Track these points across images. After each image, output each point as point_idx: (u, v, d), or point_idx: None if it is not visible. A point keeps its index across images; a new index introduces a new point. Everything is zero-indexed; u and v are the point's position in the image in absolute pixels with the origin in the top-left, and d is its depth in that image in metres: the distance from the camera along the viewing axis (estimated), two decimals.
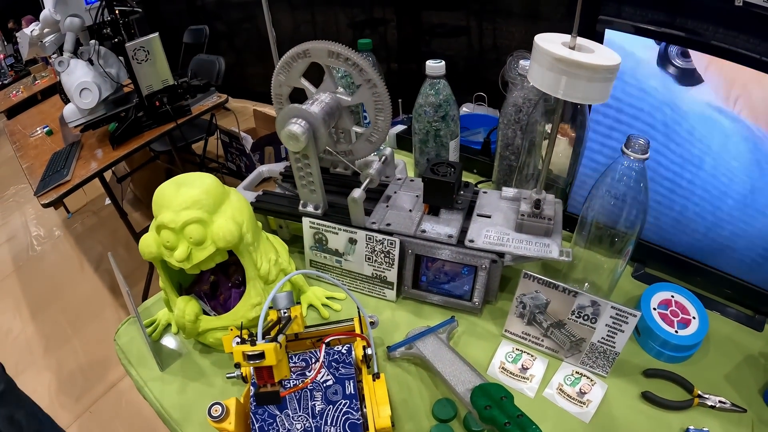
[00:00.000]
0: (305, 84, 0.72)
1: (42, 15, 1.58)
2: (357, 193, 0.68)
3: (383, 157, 0.76)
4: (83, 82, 1.52)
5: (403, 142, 1.12)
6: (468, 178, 1.00)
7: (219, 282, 0.77)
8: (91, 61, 1.60)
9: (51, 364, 1.91)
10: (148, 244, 0.65)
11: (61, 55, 1.58)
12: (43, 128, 2.05)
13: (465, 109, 1.28)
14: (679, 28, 0.62)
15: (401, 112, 1.53)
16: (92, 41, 1.62)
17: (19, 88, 3.01)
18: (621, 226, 0.62)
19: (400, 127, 1.14)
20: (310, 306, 0.77)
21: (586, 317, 0.62)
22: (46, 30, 1.63)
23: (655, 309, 0.69)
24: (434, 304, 0.73)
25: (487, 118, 1.32)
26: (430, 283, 0.72)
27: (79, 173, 1.54)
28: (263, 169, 0.92)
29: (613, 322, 0.61)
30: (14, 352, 1.99)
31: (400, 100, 1.50)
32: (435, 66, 0.79)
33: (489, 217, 0.70)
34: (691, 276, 0.74)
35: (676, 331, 0.65)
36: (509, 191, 0.73)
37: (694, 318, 0.67)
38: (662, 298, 0.70)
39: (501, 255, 0.66)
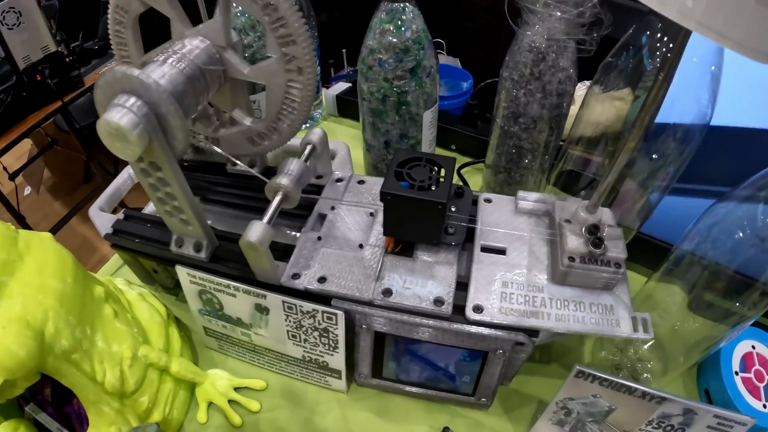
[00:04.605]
0: (173, 12, 0.36)
1: None
2: (256, 232, 0.33)
3: (308, 148, 0.41)
4: None
5: (349, 107, 0.75)
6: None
7: None
8: None
9: None
10: None
11: None
12: None
13: None
14: None
15: (346, 65, 1.14)
16: None
17: None
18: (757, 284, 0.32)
19: (342, 86, 0.77)
20: (212, 405, 0.44)
21: (669, 428, 0.35)
22: None
23: (737, 373, 0.44)
24: (411, 395, 0.42)
25: (451, 69, 0.98)
26: (403, 370, 0.40)
27: None
28: (132, 172, 0.54)
29: None
30: None
31: (344, 51, 1.11)
32: None
33: (503, 252, 0.37)
34: None
35: (765, 406, 0.42)
36: (529, 199, 0.40)
37: None
38: (743, 352, 0.45)
39: (532, 332, 0.34)
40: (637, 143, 0.31)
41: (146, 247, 0.45)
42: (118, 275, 0.56)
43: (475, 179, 0.63)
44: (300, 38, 0.34)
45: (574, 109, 0.46)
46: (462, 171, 0.63)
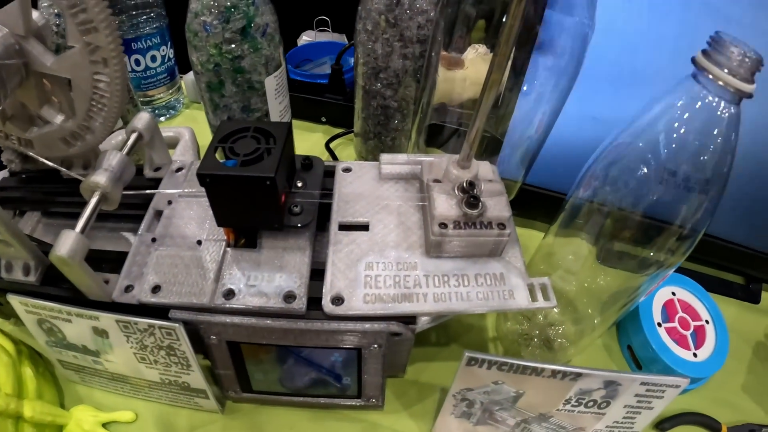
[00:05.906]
0: None
1: None
2: (66, 244, 0.26)
3: (132, 137, 0.34)
4: None
5: None
6: (311, 135, 0.59)
7: None
8: None
9: None
10: None
11: None
12: None
13: (305, 37, 0.88)
14: None
15: None
16: None
17: None
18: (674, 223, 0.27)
19: None
20: None
21: (591, 403, 0.29)
22: None
23: (660, 324, 0.40)
24: (294, 404, 0.36)
25: (335, 45, 0.93)
26: (275, 380, 0.33)
27: None
28: None
29: (638, 401, 0.29)
30: None
31: None
32: None
33: (365, 228, 0.31)
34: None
35: (695, 354, 0.39)
36: (395, 161, 0.34)
37: (707, 322, 0.41)
38: (663, 300, 0.42)
39: (409, 319, 0.28)
40: (503, 72, 0.25)
41: None
42: None
43: (348, 152, 0.57)
44: (102, 25, 0.28)
45: (462, 73, 0.40)
46: (331, 145, 0.57)
